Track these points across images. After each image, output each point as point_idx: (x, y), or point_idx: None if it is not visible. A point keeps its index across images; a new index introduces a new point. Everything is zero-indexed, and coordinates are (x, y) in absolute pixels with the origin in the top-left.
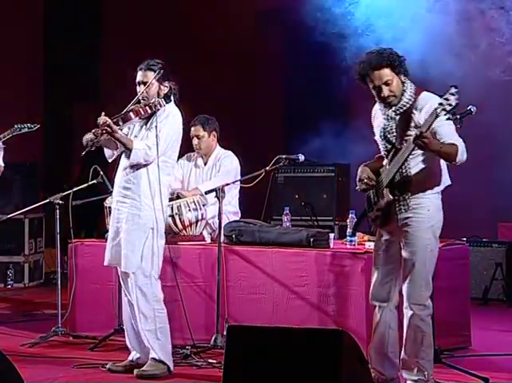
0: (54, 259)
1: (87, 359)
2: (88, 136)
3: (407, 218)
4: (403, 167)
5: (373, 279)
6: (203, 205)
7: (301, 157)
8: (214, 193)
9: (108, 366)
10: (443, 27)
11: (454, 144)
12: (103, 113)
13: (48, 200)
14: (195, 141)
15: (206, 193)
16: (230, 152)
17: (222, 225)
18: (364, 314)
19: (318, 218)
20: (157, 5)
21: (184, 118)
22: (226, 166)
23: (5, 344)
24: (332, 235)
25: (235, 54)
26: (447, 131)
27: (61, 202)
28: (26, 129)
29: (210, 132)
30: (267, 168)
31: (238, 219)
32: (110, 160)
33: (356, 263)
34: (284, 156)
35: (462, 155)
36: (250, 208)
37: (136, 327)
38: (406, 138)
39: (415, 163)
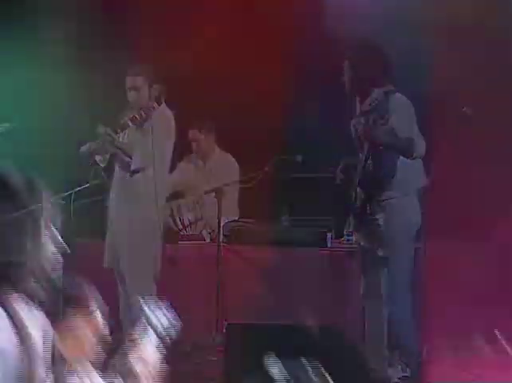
0: None
1: None
2: (85, 148)
3: (378, 219)
4: (367, 165)
5: (361, 279)
6: (203, 205)
7: (300, 158)
8: (213, 193)
9: None
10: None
11: (410, 138)
12: (100, 124)
13: None
14: (194, 144)
15: (205, 193)
16: (227, 153)
17: (222, 224)
18: (362, 312)
19: (316, 217)
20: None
21: (182, 120)
22: (223, 166)
23: None
24: (329, 235)
25: (235, 54)
26: (405, 126)
27: (62, 202)
28: None
29: (209, 134)
30: (266, 169)
31: (237, 218)
32: (102, 165)
33: (354, 262)
34: (282, 157)
35: (420, 150)
36: (248, 208)
37: None
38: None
39: (380, 162)
